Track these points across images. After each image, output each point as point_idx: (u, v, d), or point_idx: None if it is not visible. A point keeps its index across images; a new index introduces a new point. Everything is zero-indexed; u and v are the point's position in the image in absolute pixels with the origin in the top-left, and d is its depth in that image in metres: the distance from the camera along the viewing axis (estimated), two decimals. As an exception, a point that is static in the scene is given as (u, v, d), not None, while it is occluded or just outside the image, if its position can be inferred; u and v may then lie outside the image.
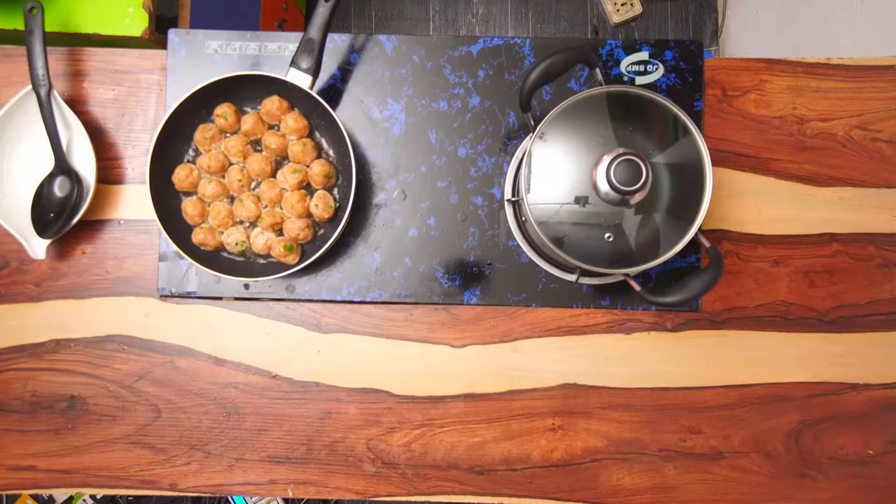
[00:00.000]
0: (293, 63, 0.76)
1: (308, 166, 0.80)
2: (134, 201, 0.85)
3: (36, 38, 0.77)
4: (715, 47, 1.91)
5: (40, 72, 0.78)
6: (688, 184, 0.67)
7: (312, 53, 0.76)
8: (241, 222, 0.80)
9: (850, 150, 0.86)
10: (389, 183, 0.84)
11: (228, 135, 0.80)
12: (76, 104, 0.84)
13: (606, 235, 0.67)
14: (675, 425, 0.84)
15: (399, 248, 0.84)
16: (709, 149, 0.66)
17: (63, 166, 0.80)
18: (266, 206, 0.79)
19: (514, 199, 0.82)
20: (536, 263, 0.83)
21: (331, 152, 0.82)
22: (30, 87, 0.79)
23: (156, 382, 0.84)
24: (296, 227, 0.77)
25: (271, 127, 0.80)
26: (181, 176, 0.78)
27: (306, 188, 0.80)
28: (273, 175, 0.80)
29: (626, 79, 0.84)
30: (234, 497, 1.64)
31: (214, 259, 0.79)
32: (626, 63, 0.84)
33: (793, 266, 0.85)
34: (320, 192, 0.79)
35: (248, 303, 0.84)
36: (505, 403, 0.84)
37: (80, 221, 0.80)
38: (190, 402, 0.84)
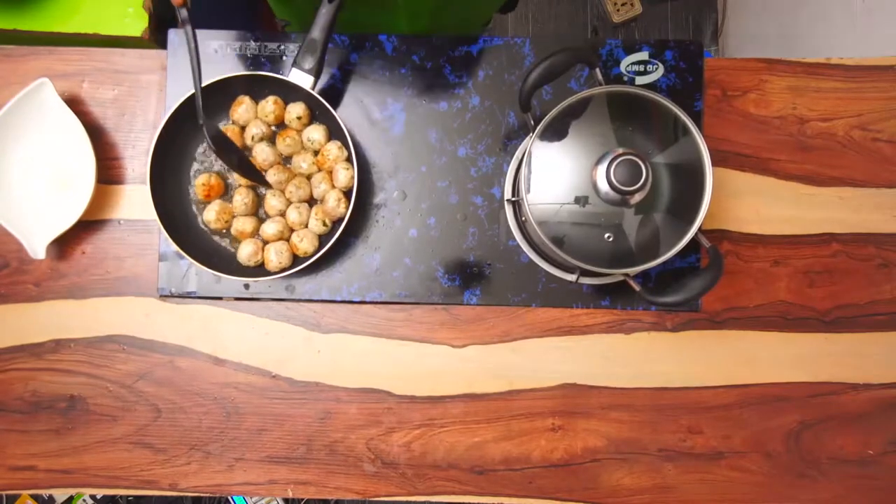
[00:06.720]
0: (295, 63, 0.76)
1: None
2: (134, 201, 0.85)
3: None
4: (715, 47, 1.91)
5: None
6: (688, 184, 0.67)
7: (315, 54, 0.75)
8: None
9: (850, 150, 0.86)
10: (389, 183, 0.84)
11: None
12: (76, 104, 0.84)
13: (606, 235, 0.67)
14: (675, 425, 0.84)
15: (399, 248, 0.84)
16: (709, 149, 0.66)
17: None
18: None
19: (514, 199, 0.82)
20: (536, 263, 0.83)
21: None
22: (30, 86, 0.79)
23: (156, 382, 0.84)
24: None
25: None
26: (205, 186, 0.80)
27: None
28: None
29: (626, 79, 0.84)
30: (234, 497, 1.64)
31: (215, 259, 0.79)
32: (626, 63, 0.84)
33: (793, 266, 0.85)
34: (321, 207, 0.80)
35: (248, 303, 0.84)
36: (505, 403, 0.84)
37: (80, 221, 0.80)
38: (190, 402, 0.84)
